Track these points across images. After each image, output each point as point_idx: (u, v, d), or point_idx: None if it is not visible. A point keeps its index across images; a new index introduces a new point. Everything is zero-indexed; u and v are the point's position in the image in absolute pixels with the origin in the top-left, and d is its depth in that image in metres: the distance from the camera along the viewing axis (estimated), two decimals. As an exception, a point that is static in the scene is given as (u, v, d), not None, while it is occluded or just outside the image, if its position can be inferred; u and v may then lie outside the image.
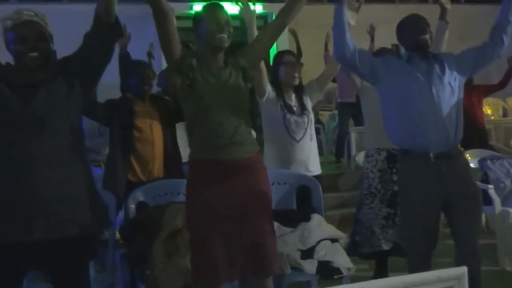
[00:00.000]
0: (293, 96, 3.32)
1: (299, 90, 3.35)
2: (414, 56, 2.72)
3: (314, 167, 3.37)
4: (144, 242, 2.58)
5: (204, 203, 2.21)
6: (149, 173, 3.29)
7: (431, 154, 2.63)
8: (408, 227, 2.77)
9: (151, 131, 3.31)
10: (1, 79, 2.00)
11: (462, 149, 2.78)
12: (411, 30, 2.72)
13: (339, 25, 2.64)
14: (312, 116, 3.36)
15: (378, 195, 3.39)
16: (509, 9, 2.68)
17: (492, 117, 8.15)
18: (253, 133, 2.52)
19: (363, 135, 6.68)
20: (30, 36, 2.00)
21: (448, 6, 3.09)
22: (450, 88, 2.68)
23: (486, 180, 4.27)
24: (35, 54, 2.00)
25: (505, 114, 8.68)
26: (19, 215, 1.92)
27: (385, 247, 3.35)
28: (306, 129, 3.29)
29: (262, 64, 2.98)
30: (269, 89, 3.21)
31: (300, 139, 3.27)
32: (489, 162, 4.34)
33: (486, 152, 4.83)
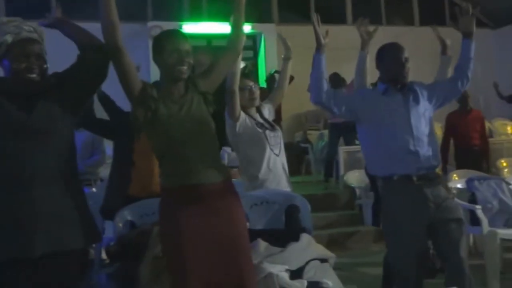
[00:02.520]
0: (258, 115, 3.35)
1: (260, 109, 3.40)
2: (390, 87, 2.80)
3: (288, 182, 3.37)
4: (131, 263, 2.54)
5: (177, 231, 2.19)
6: (146, 188, 3.23)
7: (414, 178, 2.69)
8: (397, 252, 2.76)
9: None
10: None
11: (440, 173, 2.84)
12: (391, 63, 2.79)
13: (318, 74, 2.75)
14: (280, 130, 3.42)
15: None
16: (468, 48, 2.87)
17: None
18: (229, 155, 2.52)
19: (352, 155, 6.75)
20: (29, 56, 1.98)
21: (448, 42, 3.19)
22: (424, 118, 2.79)
23: (473, 201, 4.29)
24: (33, 75, 1.99)
25: (491, 135, 8.82)
26: (19, 231, 1.90)
27: None
28: (280, 144, 3.34)
29: (237, 87, 3.03)
30: (241, 115, 3.21)
31: (279, 153, 3.30)
32: (476, 183, 4.37)
33: (473, 173, 4.87)
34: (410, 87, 2.83)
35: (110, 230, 3.23)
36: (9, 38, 1.98)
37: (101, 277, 3.09)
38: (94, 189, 4.57)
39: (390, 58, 2.80)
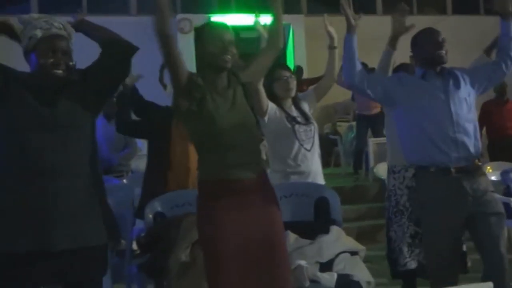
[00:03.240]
0: (293, 107, 3.30)
1: (297, 101, 3.34)
2: (428, 72, 2.71)
3: (321, 177, 3.34)
4: (161, 254, 2.57)
5: (213, 224, 2.18)
6: (181, 187, 3.23)
7: (452, 169, 2.61)
8: (432, 245, 2.69)
9: (186, 142, 3.21)
10: (21, 85, 1.99)
11: (479, 163, 2.74)
12: (428, 46, 2.70)
13: (349, 55, 2.70)
14: (316, 124, 3.35)
15: (406, 212, 3.33)
16: (508, 29, 2.76)
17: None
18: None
19: (382, 146, 6.67)
20: (56, 52, 2.00)
21: None
22: (466, 103, 2.68)
23: (508, 193, 4.19)
24: (59, 71, 2.01)
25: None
26: (38, 224, 1.92)
27: (411, 266, 3.29)
28: (313, 138, 3.28)
29: (260, 85, 2.97)
30: (270, 107, 3.18)
31: (310, 148, 3.25)
32: (511, 175, 4.26)
33: (508, 165, 4.75)
34: (450, 71, 2.73)
35: (141, 223, 3.27)
36: (39, 33, 2.00)
37: (132, 268, 3.13)
38: (125, 181, 4.63)
39: (427, 41, 2.71)
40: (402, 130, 2.80)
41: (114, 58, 2.11)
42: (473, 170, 2.65)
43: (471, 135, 2.66)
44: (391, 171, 3.46)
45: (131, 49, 2.14)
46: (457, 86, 2.69)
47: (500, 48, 2.81)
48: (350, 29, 2.71)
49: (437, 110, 2.64)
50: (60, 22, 2.07)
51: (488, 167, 4.95)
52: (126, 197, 3.55)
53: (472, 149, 2.64)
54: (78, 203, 1.98)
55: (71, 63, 2.04)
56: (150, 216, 2.86)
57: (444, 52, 2.68)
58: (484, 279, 2.52)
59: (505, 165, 4.75)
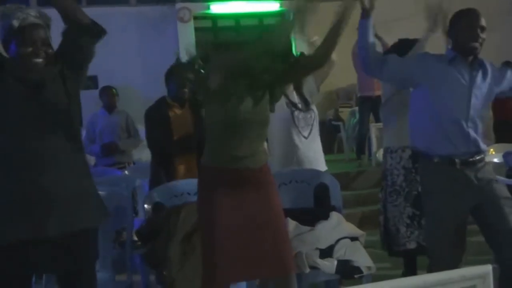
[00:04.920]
0: (294, 93, 3.28)
1: (299, 87, 3.31)
2: (459, 57, 2.58)
3: (321, 164, 3.34)
4: (161, 243, 2.58)
5: (217, 208, 2.23)
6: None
7: (457, 160, 2.57)
8: (435, 232, 2.67)
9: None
10: (7, 74, 2.00)
11: (483, 155, 2.69)
12: (464, 33, 2.55)
13: (365, 41, 2.57)
14: (316, 111, 3.33)
15: (402, 193, 3.33)
16: None
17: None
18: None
19: (382, 130, 6.64)
20: (35, 41, 2.00)
21: None
22: (485, 99, 2.62)
23: (511, 176, 4.16)
24: (39, 60, 2.01)
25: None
26: (30, 213, 1.95)
27: (410, 246, 3.31)
28: (312, 125, 3.27)
29: None
30: None
31: (308, 135, 3.25)
32: (514, 156, 4.22)
33: (511, 146, 4.72)
34: (482, 63, 2.61)
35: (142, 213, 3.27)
36: (15, 23, 2.00)
37: (135, 258, 3.15)
38: (126, 172, 4.64)
39: (463, 26, 2.55)
40: (415, 113, 2.70)
41: (81, 43, 2.06)
42: (478, 161, 2.61)
43: (479, 131, 2.61)
44: (388, 151, 3.45)
45: (98, 33, 2.08)
46: (484, 80, 2.60)
47: None
48: (364, 13, 2.54)
49: (455, 100, 2.56)
50: (37, 11, 2.06)
51: (491, 149, 4.92)
52: (127, 188, 3.57)
53: (480, 144, 2.60)
54: (67, 190, 2.00)
55: (50, 51, 2.04)
56: (149, 206, 2.87)
57: (477, 44, 2.54)
58: (497, 259, 2.50)
59: (508, 146, 4.72)
